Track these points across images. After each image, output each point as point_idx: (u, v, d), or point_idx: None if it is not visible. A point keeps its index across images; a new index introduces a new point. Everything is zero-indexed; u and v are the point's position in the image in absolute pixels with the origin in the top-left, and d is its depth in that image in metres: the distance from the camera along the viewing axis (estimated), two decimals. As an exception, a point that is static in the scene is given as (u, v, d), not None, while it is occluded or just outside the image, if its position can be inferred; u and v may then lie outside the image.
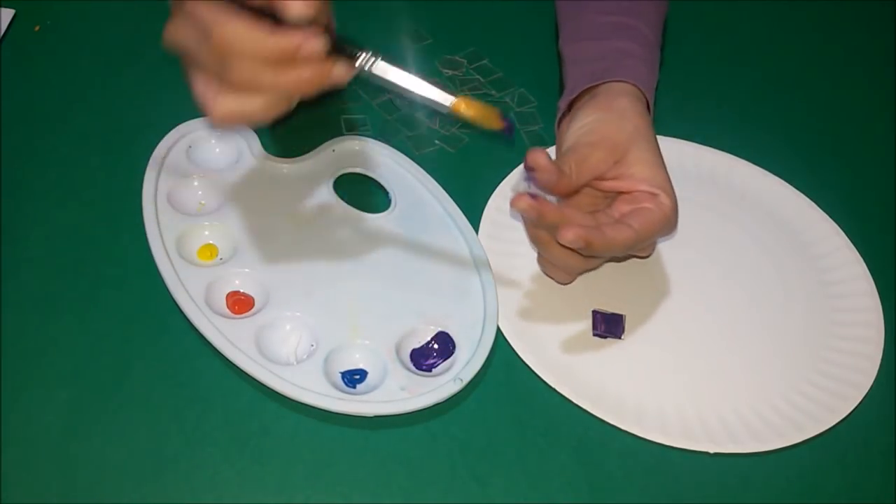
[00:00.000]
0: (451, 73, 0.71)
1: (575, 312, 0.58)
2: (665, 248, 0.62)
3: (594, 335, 0.57)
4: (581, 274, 0.58)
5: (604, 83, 0.59)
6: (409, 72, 0.49)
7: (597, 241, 0.52)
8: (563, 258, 0.55)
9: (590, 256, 0.55)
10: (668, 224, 0.55)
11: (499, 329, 0.56)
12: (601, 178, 0.55)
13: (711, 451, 0.52)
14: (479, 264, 0.59)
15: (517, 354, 0.55)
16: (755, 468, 0.53)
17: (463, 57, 0.72)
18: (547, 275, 0.58)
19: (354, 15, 0.75)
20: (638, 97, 0.58)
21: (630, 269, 0.60)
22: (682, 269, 0.61)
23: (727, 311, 0.59)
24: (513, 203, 0.52)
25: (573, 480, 0.51)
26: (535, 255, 0.59)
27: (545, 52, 0.74)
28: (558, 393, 0.54)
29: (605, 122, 0.56)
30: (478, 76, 0.71)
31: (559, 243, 0.53)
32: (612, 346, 0.57)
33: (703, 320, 0.59)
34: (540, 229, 0.54)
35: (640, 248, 0.57)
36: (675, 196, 0.56)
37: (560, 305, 0.58)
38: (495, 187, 0.63)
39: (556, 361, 0.55)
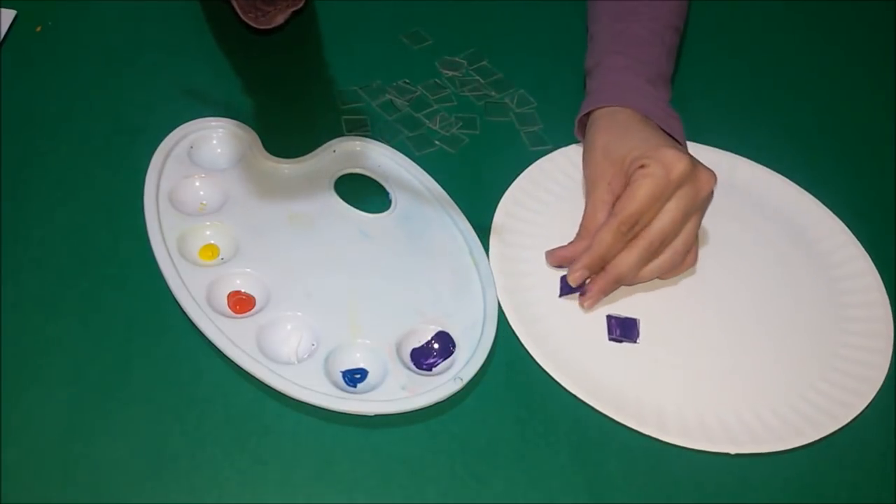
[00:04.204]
0: (451, 73, 0.71)
1: (589, 317, 0.58)
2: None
3: (609, 340, 0.57)
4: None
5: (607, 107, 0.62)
6: None
7: (601, 282, 0.57)
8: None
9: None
10: (661, 183, 0.55)
11: (514, 334, 0.56)
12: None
13: (733, 451, 0.52)
14: (479, 264, 0.59)
15: (534, 360, 0.55)
16: (768, 468, 0.52)
17: (463, 58, 0.72)
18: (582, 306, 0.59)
19: (355, 15, 0.75)
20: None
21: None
22: (691, 269, 0.61)
23: (738, 311, 0.59)
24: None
25: (573, 480, 0.51)
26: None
27: (545, 52, 0.74)
28: (563, 392, 0.54)
29: (607, 150, 0.59)
30: (478, 77, 0.71)
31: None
32: (626, 349, 0.57)
33: (715, 320, 0.59)
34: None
35: (654, 239, 0.56)
36: (670, 160, 0.55)
37: (575, 310, 0.58)
38: (495, 188, 0.63)
39: (573, 366, 0.55)
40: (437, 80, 0.70)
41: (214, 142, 0.63)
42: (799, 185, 0.67)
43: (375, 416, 0.52)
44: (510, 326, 0.56)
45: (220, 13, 0.73)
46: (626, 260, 0.57)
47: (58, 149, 0.62)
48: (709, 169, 0.57)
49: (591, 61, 0.66)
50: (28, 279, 0.56)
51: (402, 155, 0.64)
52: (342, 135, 0.65)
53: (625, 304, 0.59)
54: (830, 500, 0.52)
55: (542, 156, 0.66)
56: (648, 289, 0.60)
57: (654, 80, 0.63)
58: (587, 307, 0.58)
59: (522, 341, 0.56)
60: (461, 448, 0.51)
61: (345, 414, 0.51)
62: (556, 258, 0.59)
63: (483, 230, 0.61)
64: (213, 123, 0.64)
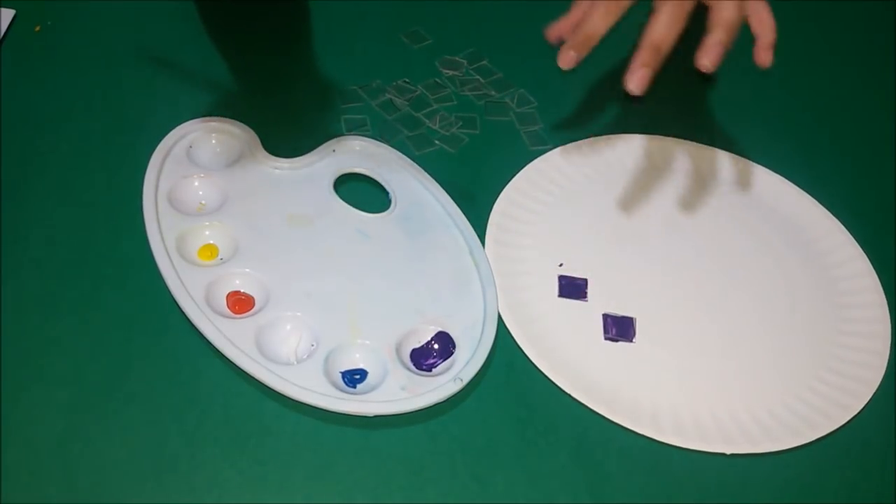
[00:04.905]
0: (451, 73, 0.71)
1: (585, 317, 0.58)
2: (668, 248, 0.62)
3: (605, 339, 0.57)
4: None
5: None
6: None
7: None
8: None
9: None
10: None
11: (510, 334, 0.56)
12: None
13: (728, 452, 0.52)
14: (479, 264, 0.59)
15: (530, 360, 0.55)
16: (765, 468, 0.52)
17: (463, 57, 0.72)
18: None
19: (355, 15, 0.75)
20: None
21: (636, 270, 0.61)
22: (687, 269, 0.61)
23: (735, 310, 0.59)
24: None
25: (573, 480, 0.51)
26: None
27: (545, 52, 0.73)
28: (563, 392, 0.54)
29: None
30: (478, 76, 0.71)
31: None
32: (622, 349, 0.57)
33: (712, 320, 0.59)
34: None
35: None
36: None
37: (571, 310, 0.58)
38: (495, 187, 0.63)
39: (569, 366, 0.55)
40: (437, 79, 0.70)
41: (213, 141, 0.63)
42: (797, 185, 0.67)
43: (375, 416, 0.52)
44: (506, 326, 0.56)
45: (218, 13, 0.73)
46: (656, 23, 0.59)
47: (57, 149, 0.62)
48: None
49: None
50: (28, 279, 0.56)
51: (401, 154, 0.64)
52: (342, 134, 0.65)
53: (621, 304, 0.59)
54: (827, 501, 0.52)
55: (541, 155, 0.66)
56: (645, 288, 0.60)
57: None
58: (637, 89, 0.59)
59: (518, 341, 0.56)
60: (461, 448, 0.52)
61: (344, 415, 0.51)
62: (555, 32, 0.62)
63: (483, 230, 0.61)
64: (213, 123, 0.64)
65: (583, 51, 0.60)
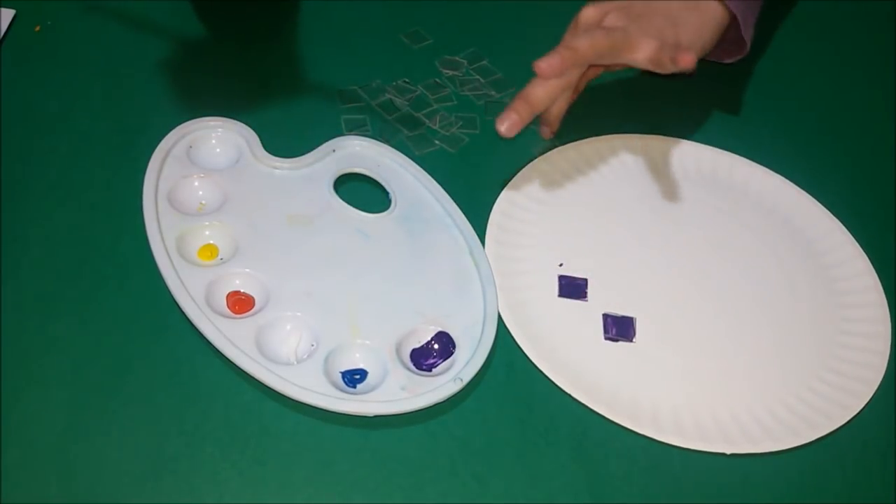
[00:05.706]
0: (451, 73, 0.71)
1: (585, 317, 0.58)
2: (668, 248, 0.62)
3: (605, 339, 0.57)
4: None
5: None
6: None
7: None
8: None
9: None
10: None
11: (509, 333, 0.56)
12: None
13: (728, 451, 0.52)
14: (479, 264, 0.59)
15: (530, 360, 0.55)
16: (763, 468, 0.52)
17: (463, 57, 0.72)
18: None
19: (355, 15, 0.75)
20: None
21: (636, 270, 0.61)
22: (687, 268, 0.61)
23: (735, 311, 0.59)
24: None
25: (573, 480, 0.51)
26: (544, 249, 0.60)
27: (545, 52, 0.74)
28: (563, 392, 0.54)
29: None
30: (478, 77, 0.71)
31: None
32: (622, 348, 0.57)
33: (712, 320, 0.59)
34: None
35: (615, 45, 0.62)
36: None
37: (571, 310, 0.58)
38: (495, 187, 0.63)
39: (569, 366, 0.55)
40: (437, 79, 0.70)
41: (213, 141, 0.63)
42: (797, 185, 0.67)
43: (375, 416, 0.52)
44: (506, 326, 0.56)
45: (217, 12, 0.73)
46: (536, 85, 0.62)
47: (57, 149, 0.62)
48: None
49: None
50: (28, 279, 0.56)
51: (401, 154, 0.64)
52: (342, 134, 0.65)
53: (621, 304, 0.59)
54: (827, 501, 0.52)
55: (541, 155, 0.66)
56: (645, 288, 0.60)
57: None
58: (507, 133, 0.61)
59: (518, 341, 0.56)
60: (461, 448, 0.52)
61: (344, 414, 0.51)
62: None
63: (483, 230, 0.61)
64: (212, 123, 0.64)
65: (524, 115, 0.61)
